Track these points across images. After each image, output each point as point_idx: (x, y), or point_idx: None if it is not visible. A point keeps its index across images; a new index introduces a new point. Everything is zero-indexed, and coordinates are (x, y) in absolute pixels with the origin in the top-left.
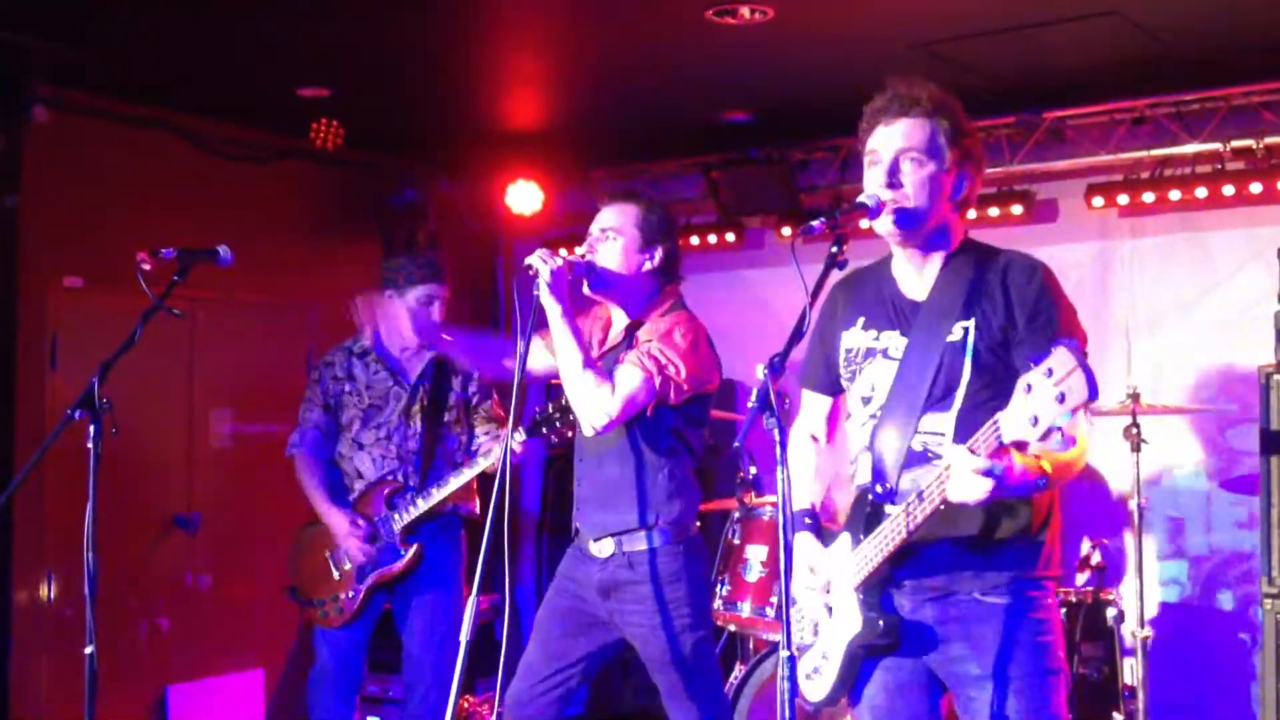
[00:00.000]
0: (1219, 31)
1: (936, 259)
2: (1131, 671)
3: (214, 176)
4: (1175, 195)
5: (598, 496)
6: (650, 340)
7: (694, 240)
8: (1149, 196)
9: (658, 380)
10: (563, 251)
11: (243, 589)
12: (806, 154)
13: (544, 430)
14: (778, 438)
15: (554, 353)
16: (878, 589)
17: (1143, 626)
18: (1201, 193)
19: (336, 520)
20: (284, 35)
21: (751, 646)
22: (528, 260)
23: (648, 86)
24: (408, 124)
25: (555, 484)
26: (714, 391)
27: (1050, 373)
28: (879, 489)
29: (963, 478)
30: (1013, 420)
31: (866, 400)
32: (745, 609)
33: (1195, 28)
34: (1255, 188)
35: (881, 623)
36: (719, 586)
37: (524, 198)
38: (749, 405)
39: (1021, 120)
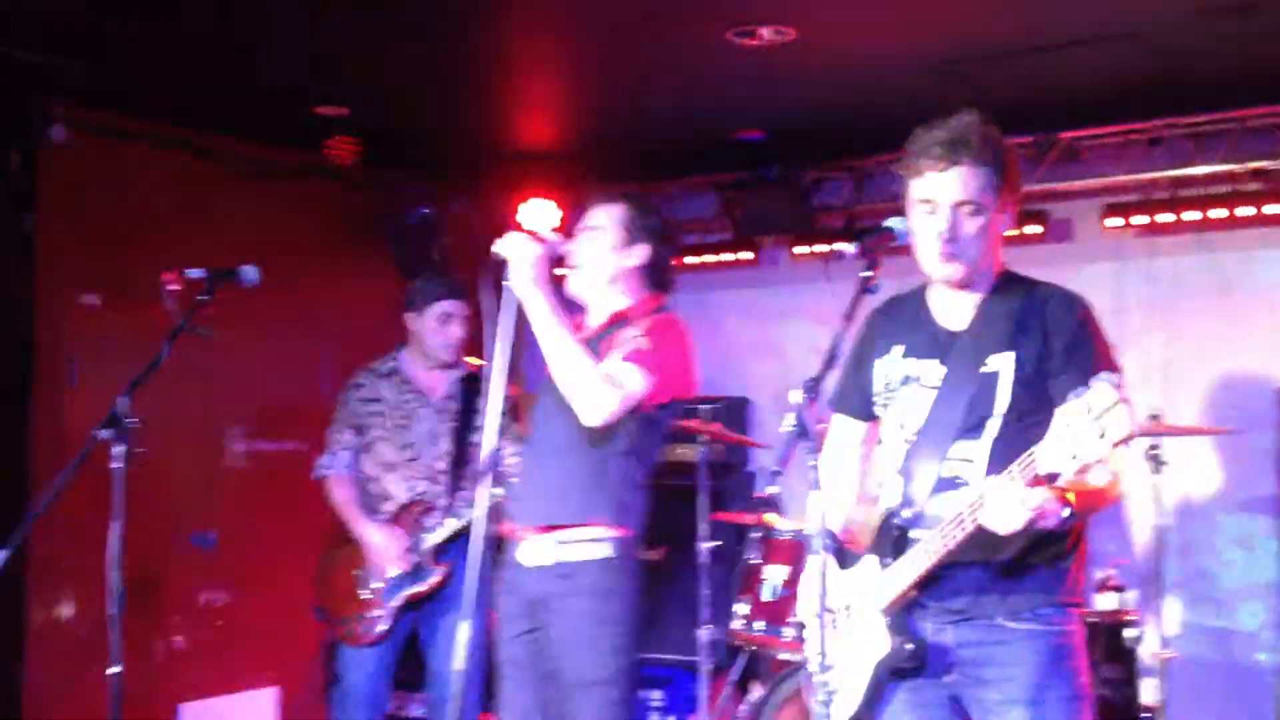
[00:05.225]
0: (1233, 53)
1: (977, 291)
2: (1151, 692)
3: (231, 195)
4: (1192, 216)
5: (541, 491)
6: (640, 337)
7: (708, 259)
8: (1166, 217)
9: (650, 380)
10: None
11: (259, 607)
12: (820, 174)
13: None
14: (812, 462)
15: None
16: (904, 612)
17: (1162, 647)
18: (1218, 213)
19: (379, 538)
20: (302, 54)
21: (770, 666)
22: (496, 247)
23: (664, 106)
24: (424, 143)
25: None
26: (688, 401)
27: (1090, 408)
28: (906, 513)
29: (1000, 507)
30: (1050, 453)
31: (901, 426)
32: (763, 628)
33: (1210, 50)
34: (1272, 209)
35: (909, 646)
36: (737, 606)
37: (538, 216)
38: (786, 429)
39: (1037, 140)
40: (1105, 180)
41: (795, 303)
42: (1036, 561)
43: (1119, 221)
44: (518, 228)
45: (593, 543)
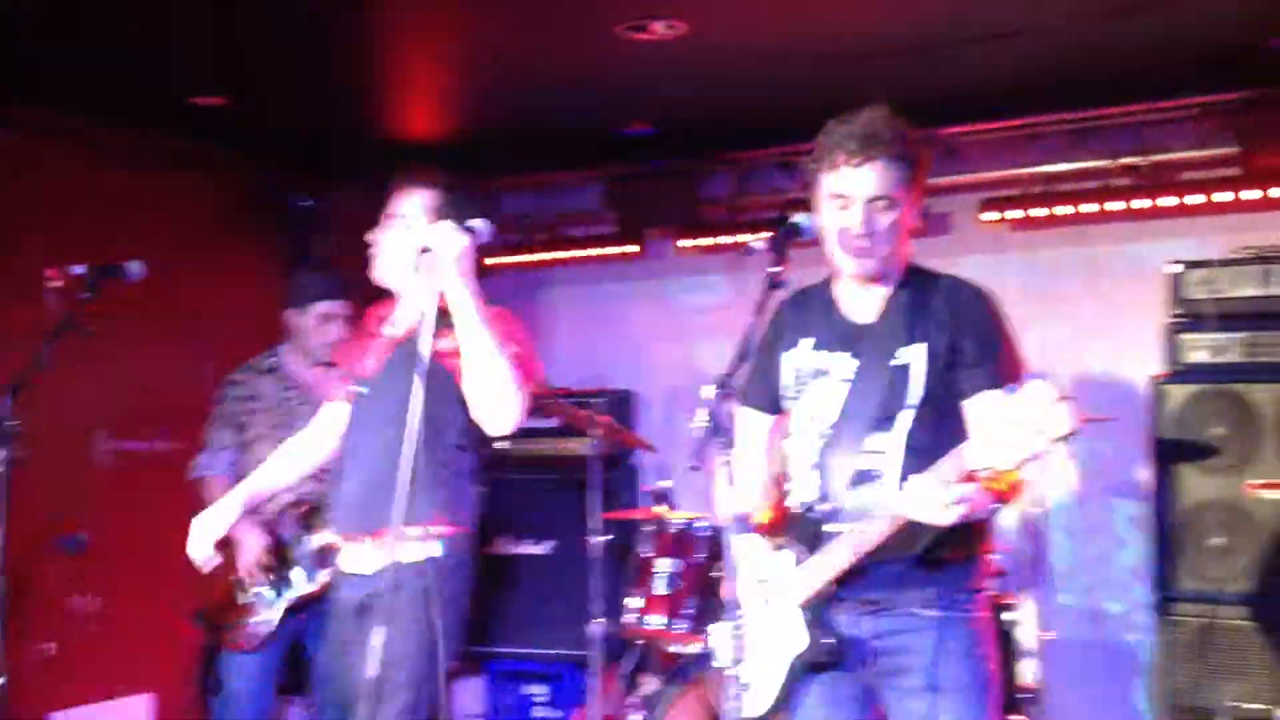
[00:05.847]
0: (1108, 53)
1: (886, 284)
2: (1029, 674)
3: (109, 185)
4: (1065, 210)
5: (371, 493)
6: (503, 334)
7: (593, 252)
8: (1040, 211)
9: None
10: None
11: (133, 612)
12: (706, 167)
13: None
14: (726, 458)
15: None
16: (820, 606)
17: (1040, 630)
18: (1089, 208)
19: (257, 540)
20: (183, 41)
21: (661, 660)
22: (425, 239)
23: (552, 99)
24: (306, 133)
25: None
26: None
27: (1027, 403)
28: (823, 507)
29: (933, 502)
30: (983, 448)
31: (811, 419)
32: (656, 622)
33: (1086, 50)
34: (1141, 203)
35: (828, 641)
36: (630, 600)
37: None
38: (697, 426)
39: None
40: (982, 175)
41: (680, 296)
42: (951, 553)
43: (995, 216)
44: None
45: (423, 542)
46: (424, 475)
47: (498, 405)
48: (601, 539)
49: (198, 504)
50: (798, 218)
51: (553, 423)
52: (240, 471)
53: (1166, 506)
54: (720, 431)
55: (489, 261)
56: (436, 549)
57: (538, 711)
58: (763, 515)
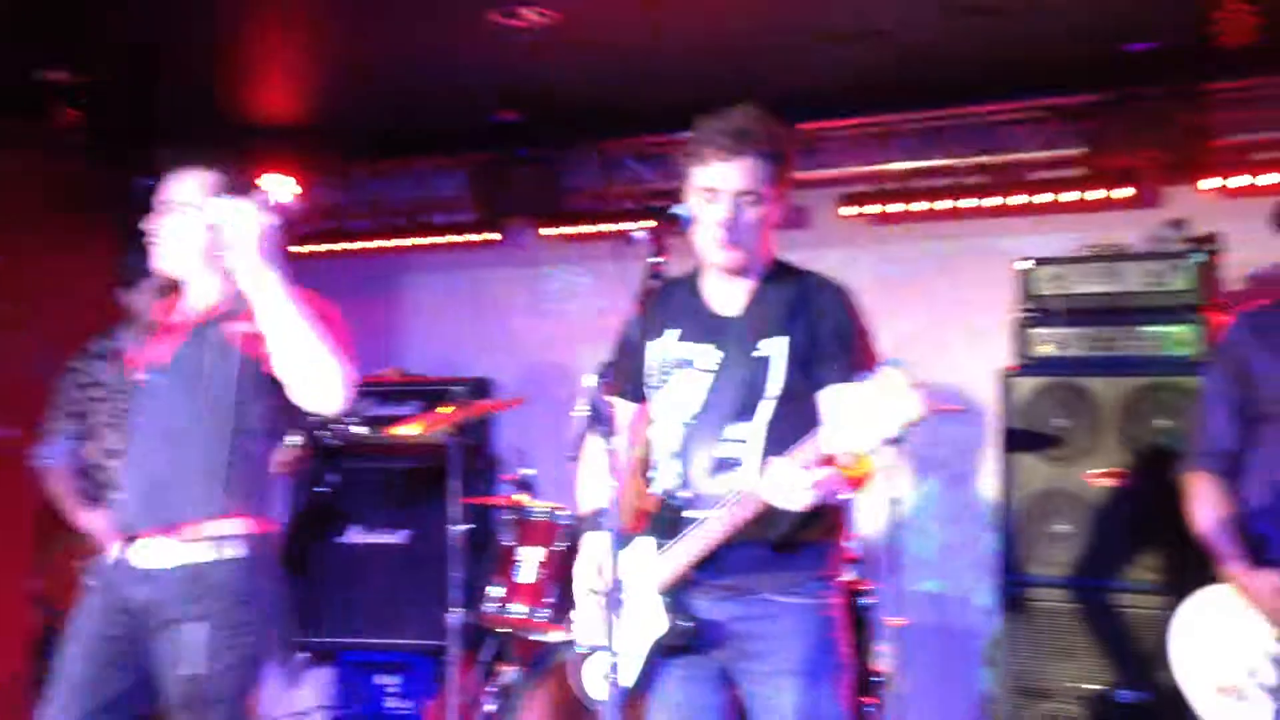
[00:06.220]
0: (965, 52)
1: (750, 277)
2: (883, 658)
3: None
4: (920, 206)
5: (161, 485)
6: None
7: (454, 239)
8: (896, 207)
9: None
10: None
11: None
12: (570, 156)
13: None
14: (607, 446)
15: None
16: (679, 591)
17: (894, 615)
18: (944, 204)
19: (100, 527)
20: (28, 15)
21: (520, 648)
22: (213, 217)
23: (415, 83)
24: (155, 111)
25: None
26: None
27: (881, 390)
28: (684, 495)
29: (787, 487)
30: (837, 433)
31: (674, 409)
32: (518, 610)
33: (944, 49)
34: (993, 201)
35: (686, 624)
36: (491, 589)
37: (275, 191)
38: (577, 415)
39: None
40: (840, 171)
41: (540, 284)
42: (805, 539)
43: (853, 210)
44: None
45: (223, 540)
46: (222, 466)
47: (320, 385)
48: (461, 528)
49: (42, 491)
50: (678, 208)
51: (408, 410)
52: (82, 461)
53: (1012, 495)
54: (600, 420)
55: (345, 247)
56: (238, 549)
57: (389, 702)
58: (626, 503)
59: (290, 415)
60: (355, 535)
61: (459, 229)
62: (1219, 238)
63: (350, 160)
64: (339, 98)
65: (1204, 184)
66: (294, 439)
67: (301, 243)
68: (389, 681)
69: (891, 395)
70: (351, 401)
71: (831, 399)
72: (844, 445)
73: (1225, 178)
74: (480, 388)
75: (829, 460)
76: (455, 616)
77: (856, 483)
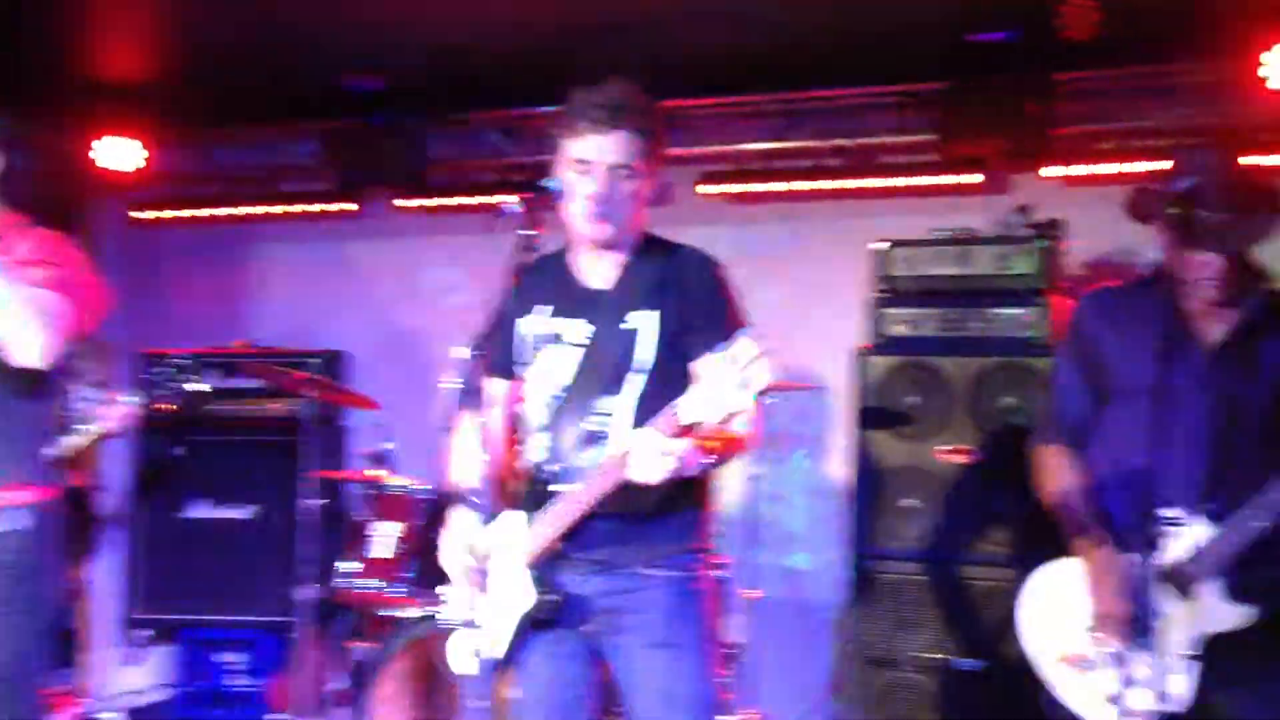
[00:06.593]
0: (820, 37)
1: (621, 251)
2: (735, 630)
3: None
4: (779, 187)
5: None
6: (39, 259)
7: (308, 209)
8: (756, 187)
9: (72, 309)
10: None
11: None
12: (431, 127)
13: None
14: (477, 421)
15: None
16: (548, 565)
17: (747, 589)
18: (803, 185)
19: None
20: None
21: (373, 625)
22: None
23: (270, 45)
24: None
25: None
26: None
27: (734, 360)
28: (553, 468)
29: (646, 458)
30: (694, 404)
31: (545, 383)
32: (373, 586)
33: (798, 31)
34: (850, 183)
35: (553, 598)
36: (344, 563)
37: (117, 154)
38: (448, 387)
39: None
40: (702, 149)
41: (401, 257)
42: (672, 511)
43: (712, 189)
44: (92, 165)
45: (5, 511)
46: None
47: (15, 343)
48: (314, 503)
49: None
50: (549, 181)
51: (257, 382)
52: None
53: (864, 470)
54: (470, 394)
55: (193, 214)
56: (22, 519)
57: (233, 680)
58: (496, 477)
59: (58, 373)
60: (201, 509)
61: (314, 198)
62: (1062, 224)
63: (202, 124)
64: (189, 57)
65: (1049, 172)
66: (130, 397)
67: (147, 209)
68: (233, 659)
69: (743, 365)
70: (56, 359)
71: (698, 371)
72: (699, 416)
73: (1069, 166)
74: (335, 361)
75: (688, 431)
76: (305, 593)
77: (716, 453)
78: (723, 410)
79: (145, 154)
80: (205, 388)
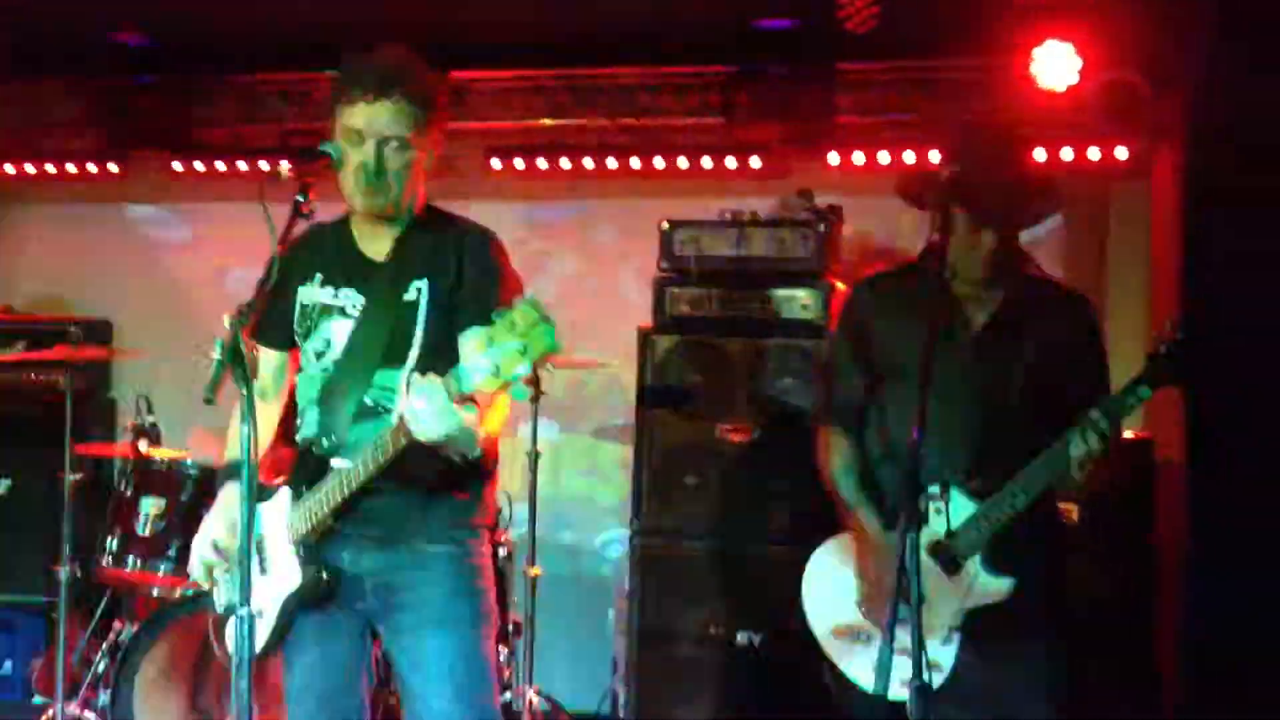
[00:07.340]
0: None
1: (399, 222)
2: (516, 607)
3: None
4: (567, 164)
5: None
6: None
7: (71, 169)
8: (543, 163)
9: None
10: None
11: None
12: (203, 88)
13: None
14: (245, 391)
15: None
16: (319, 542)
17: (530, 565)
18: (590, 163)
19: None
20: None
21: (137, 604)
22: None
23: None
24: None
25: None
26: None
27: (513, 325)
28: (326, 442)
29: (428, 412)
30: (474, 369)
31: (320, 355)
32: (136, 564)
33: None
34: (635, 163)
35: (323, 576)
36: (107, 540)
37: None
38: (214, 356)
39: None
40: (489, 123)
41: (167, 218)
42: (453, 487)
43: (500, 164)
44: None
45: None
46: None
47: None
48: (74, 477)
49: None
50: (326, 146)
51: (13, 350)
52: None
53: (647, 448)
54: (238, 362)
55: None
56: None
57: None
58: (267, 452)
59: None
60: None
61: (75, 156)
62: (840, 209)
63: None
64: None
65: (832, 158)
66: None
67: None
68: None
69: (523, 331)
70: None
71: (472, 339)
72: (476, 384)
73: (849, 153)
74: (99, 329)
75: (468, 399)
76: (65, 571)
77: (500, 422)
78: (501, 376)
79: None
80: None
